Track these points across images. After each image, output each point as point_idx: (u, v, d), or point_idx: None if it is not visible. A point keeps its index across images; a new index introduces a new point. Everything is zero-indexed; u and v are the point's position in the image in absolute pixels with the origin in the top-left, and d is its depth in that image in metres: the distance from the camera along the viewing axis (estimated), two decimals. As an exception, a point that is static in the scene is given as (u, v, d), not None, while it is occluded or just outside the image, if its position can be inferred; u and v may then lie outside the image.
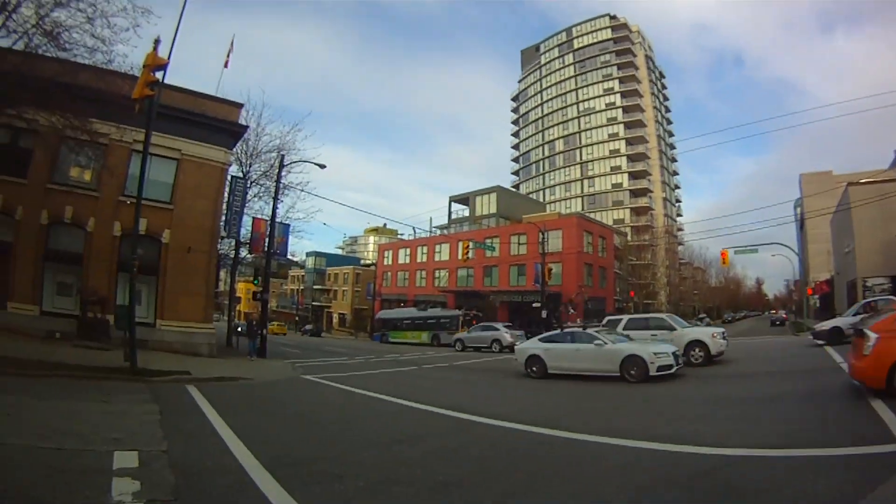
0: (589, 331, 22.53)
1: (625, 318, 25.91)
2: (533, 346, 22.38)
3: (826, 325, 27.72)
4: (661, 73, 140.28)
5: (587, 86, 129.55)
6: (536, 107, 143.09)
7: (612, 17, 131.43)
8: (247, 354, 30.57)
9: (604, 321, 30.02)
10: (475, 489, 6.83)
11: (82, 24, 17.73)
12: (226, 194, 31.38)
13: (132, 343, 18.30)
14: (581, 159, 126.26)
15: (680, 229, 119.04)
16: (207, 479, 7.23)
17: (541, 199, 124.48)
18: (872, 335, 10.71)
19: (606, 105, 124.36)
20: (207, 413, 12.38)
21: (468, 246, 55.59)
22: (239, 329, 40.66)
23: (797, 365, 19.91)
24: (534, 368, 21.21)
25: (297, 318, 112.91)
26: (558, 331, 25.41)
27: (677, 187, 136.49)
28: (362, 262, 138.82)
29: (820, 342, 26.13)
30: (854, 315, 26.27)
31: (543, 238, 57.09)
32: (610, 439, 9.31)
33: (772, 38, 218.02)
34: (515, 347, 23.84)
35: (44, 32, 17.48)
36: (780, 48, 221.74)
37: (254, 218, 37.68)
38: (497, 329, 45.43)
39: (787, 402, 12.14)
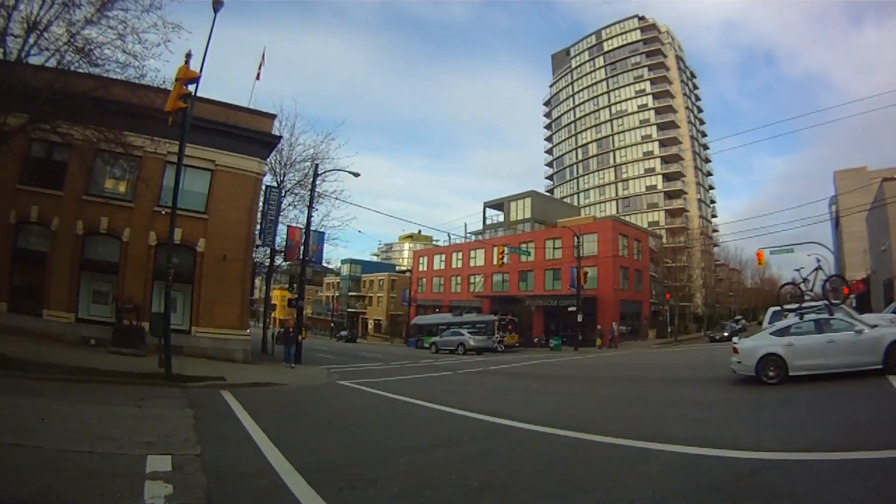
0: (839, 315, 17.97)
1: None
2: (765, 342, 17.39)
3: None
4: (692, 73, 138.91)
5: (618, 88, 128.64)
6: (568, 111, 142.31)
7: (641, 19, 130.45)
8: (282, 361, 30.70)
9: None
10: (510, 495, 6.82)
11: (113, 41, 18.03)
12: (260, 203, 31.65)
13: (167, 349, 18.57)
14: (615, 162, 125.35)
15: (715, 230, 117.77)
16: (240, 483, 7.29)
17: (575, 203, 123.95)
18: None
19: (638, 107, 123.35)
20: (241, 418, 12.50)
21: (503, 251, 55.57)
22: (282, 335, 41.20)
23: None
24: (770, 373, 16.27)
25: (332, 325, 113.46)
26: (792, 318, 19.39)
27: (711, 188, 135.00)
28: (397, 268, 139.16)
29: None
30: (892, 313, 25.86)
31: (578, 242, 56.97)
32: None
33: (801, 33, 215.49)
34: (738, 347, 18.20)
35: (76, 49, 17.77)
36: (810, 43, 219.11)
37: (288, 226, 37.94)
38: (462, 334, 51.49)
39: (825, 404, 11.97)
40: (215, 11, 19.63)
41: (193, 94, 19.30)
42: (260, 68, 30.83)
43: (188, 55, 18.58)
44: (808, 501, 5.79)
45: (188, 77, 18.45)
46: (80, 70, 18.22)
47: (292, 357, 30.69)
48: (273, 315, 70.55)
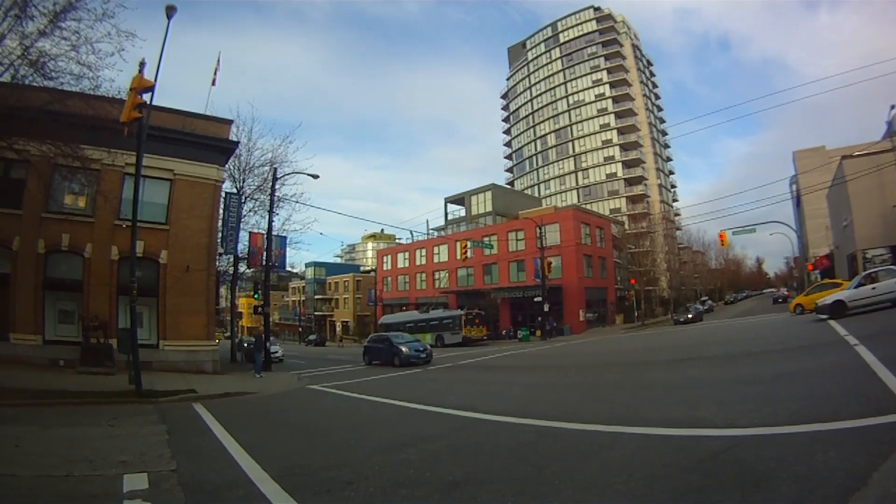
0: None
1: None
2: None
3: (828, 299, 27.69)
4: (648, 60, 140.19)
5: (575, 78, 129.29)
6: (526, 103, 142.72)
7: (597, 9, 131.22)
8: (252, 370, 30.17)
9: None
10: (485, 487, 6.85)
11: (67, 52, 17.62)
12: (221, 211, 31.39)
13: (136, 365, 18.38)
14: (574, 152, 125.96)
15: (677, 214, 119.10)
16: (218, 496, 7.28)
17: (536, 195, 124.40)
18: None
19: (596, 96, 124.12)
20: (215, 430, 12.45)
21: (466, 246, 55.47)
22: (245, 344, 40.77)
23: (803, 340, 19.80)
24: None
25: (300, 329, 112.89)
26: None
27: (671, 173, 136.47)
28: (362, 268, 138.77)
29: (823, 316, 26.15)
30: (856, 287, 26.35)
31: (541, 233, 57.16)
32: None
33: (756, 18, 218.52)
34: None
35: (29, 63, 17.38)
36: (765, 27, 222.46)
37: (250, 232, 37.81)
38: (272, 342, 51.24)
39: (795, 378, 12.14)
40: (168, 18, 19.43)
41: (149, 103, 19.14)
42: (216, 74, 30.53)
43: (142, 63, 18.36)
44: (783, 473, 5.83)
45: (143, 86, 18.23)
46: (35, 84, 17.88)
47: (260, 367, 29.74)
48: (241, 323, 70.07)
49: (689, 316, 57.97)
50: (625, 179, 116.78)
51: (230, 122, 32.35)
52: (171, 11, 19.39)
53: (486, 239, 69.40)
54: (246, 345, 41.81)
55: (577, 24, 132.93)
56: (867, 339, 15.52)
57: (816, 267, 69.33)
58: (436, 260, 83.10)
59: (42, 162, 20.41)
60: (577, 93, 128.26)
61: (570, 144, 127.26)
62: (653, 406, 11.33)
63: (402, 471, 7.81)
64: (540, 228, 57.88)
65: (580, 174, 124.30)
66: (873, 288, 25.30)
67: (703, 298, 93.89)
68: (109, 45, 17.92)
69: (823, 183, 58.88)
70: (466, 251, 55.35)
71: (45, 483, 7.59)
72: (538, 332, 57.05)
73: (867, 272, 28.68)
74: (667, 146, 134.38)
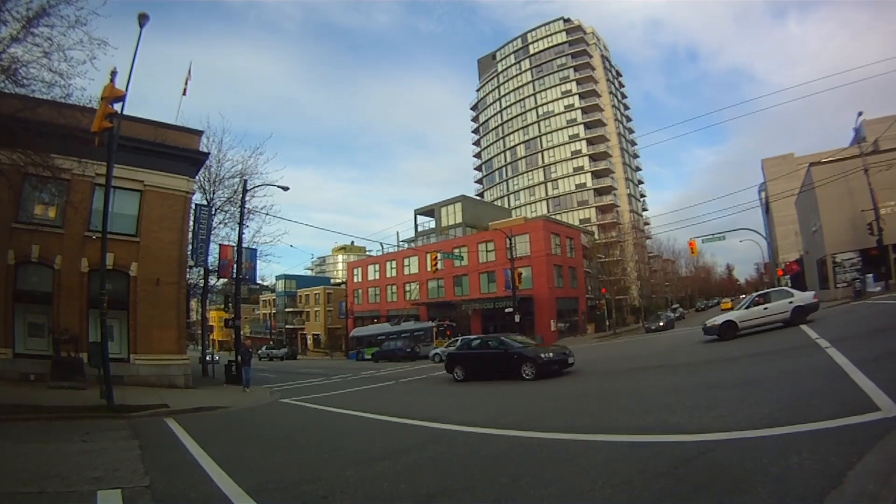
0: None
1: None
2: None
3: (718, 319, 28.11)
4: (618, 71, 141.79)
5: (545, 90, 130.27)
6: (496, 114, 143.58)
7: (567, 21, 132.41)
8: (224, 384, 29.83)
9: None
10: (461, 498, 6.81)
11: (39, 59, 17.35)
12: (191, 223, 31.10)
13: (107, 380, 18.15)
14: (543, 163, 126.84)
15: (647, 223, 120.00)
16: (192, 512, 7.16)
17: (506, 206, 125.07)
18: None
19: (565, 107, 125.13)
20: (188, 445, 12.32)
21: (436, 257, 55.41)
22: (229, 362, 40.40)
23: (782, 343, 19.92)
24: None
25: (271, 343, 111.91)
26: None
27: (641, 182, 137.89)
28: (332, 281, 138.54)
29: (710, 337, 27.00)
30: (747, 307, 27.23)
31: (511, 244, 57.31)
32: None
33: (724, 29, 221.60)
34: None
35: (1, 69, 17.17)
36: (733, 38, 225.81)
37: (220, 245, 37.42)
38: None
39: (767, 381, 12.21)
40: (141, 26, 19.29)
41: (119, 112, 18.93)
42: (186, 83, 30.21)
43: (113, 72, 18.16)
44: (758, 476, 5.87)
45: (114, 95, 18.06)
46: (6, 91, 17.58)
47: (250, 381, 29.00)
48: (212, 337, 69.47)
49: (661, 324, 58.25)
50: (594, 190, 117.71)
51: (200, 132, 32.16)
52: (143, 20, 19.27)
53: (456, 250, 69.82)
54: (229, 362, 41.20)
55: (546, 36, 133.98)
56: (837, 342, 15.95)
57: (786, 272, 70.43)
58: (406, 272, 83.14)
59: (12, 171, 20.01)
60: (546, 104, 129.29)
61: (539, 155, 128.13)
62: (625, 414, 11.38)
63: (378, 484, 7.80)
64: (510, 239, 58.12)
65: (550, 185, 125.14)
66: (765, 308, 26.07)
67: (675, 306, 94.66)
68: (81, 53, 17.68)
69: (792, 189, 59.98)
70: (437, 263, 55.31)
71: (18, 500, 7.48)
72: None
73: (758, 292, 29.40)
74: (636, 156, 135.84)
